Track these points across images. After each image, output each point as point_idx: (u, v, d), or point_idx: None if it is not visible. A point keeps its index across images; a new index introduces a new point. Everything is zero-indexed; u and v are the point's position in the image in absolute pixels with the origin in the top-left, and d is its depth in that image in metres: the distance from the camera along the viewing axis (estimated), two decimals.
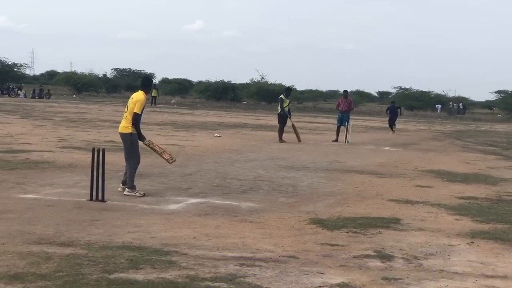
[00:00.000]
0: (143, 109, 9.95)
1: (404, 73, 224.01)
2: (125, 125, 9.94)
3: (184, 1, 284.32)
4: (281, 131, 21.92)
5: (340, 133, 23.40)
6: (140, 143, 10.01)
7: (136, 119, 9.86)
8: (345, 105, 23.98)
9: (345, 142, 22.66)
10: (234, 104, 64.06)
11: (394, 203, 10.02)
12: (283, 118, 21.80)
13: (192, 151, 16.97)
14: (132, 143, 9.90)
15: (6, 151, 14.52)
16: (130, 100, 10.02)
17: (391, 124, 31.60)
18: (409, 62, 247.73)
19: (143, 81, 10.47)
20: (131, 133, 9.88)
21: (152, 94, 50.72)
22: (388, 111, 32.29)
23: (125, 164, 10.17)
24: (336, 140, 23.12)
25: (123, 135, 10.02)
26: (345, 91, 25.35)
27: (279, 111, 22.08)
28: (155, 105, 50.88)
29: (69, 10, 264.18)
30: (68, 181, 10.74)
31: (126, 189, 9.76)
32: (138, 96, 9.96)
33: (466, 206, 10.11)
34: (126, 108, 10.06)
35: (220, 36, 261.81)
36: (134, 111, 9.82)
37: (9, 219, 7.65)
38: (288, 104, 22.05)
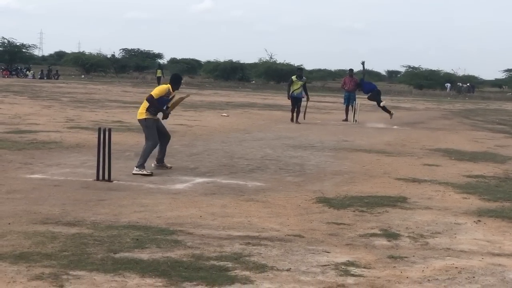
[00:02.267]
0: (160, 97, 10.15)
1: (413, 52, 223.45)
2: (140, 111, 10.24)
3: None
4: (292, 111, 21.63)
5: (348, 112, 23.30)
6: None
7: (150, 101, 10.03)
8: (351, 84, 23.67)
9: (353, 121, 22.60)
10: (243, 84, 63.90)
11: (401, 182, 9.99)
12: (292, 99, 21.53)
13: (199, 130, 16.96)
14: (147, 127, 10.14)
15: (14, 131, 14.56)
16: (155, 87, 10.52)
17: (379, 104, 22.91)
18: (418, 40, 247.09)
19: (173, 77, 10.71)
20: (145, 118, 10.13)
21: (157, 75, 50.34)
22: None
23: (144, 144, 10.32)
24: (346, 119, 23.00)
25: (139, 121, 10.32)
26: (351, 70, 24.92)
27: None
28: (159, 85, 50.60)
29: None
30: (75, 161, 10.75)
31: (135, 167, 9.79)
32: (162, 85, 10.49)
33: (474, 184, 10.07)
34: None
35: (228, 15, 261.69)
36: (151, 93, 10.13)
37: (15, 199, 7.68)
38: (302, 85, 21.60)
